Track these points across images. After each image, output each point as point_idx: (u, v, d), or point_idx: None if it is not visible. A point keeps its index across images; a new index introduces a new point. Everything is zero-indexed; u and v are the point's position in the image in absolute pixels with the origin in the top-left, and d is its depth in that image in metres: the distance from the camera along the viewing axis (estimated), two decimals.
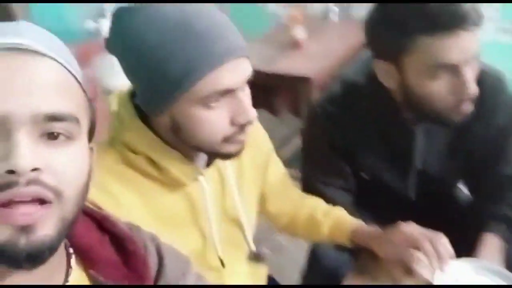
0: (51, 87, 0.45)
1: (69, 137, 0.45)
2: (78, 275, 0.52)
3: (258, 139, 0.96)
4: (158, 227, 0.69)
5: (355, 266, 1.00)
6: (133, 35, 0.70)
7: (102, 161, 0.70)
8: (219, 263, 0.88)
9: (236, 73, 0.71)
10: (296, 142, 2.23)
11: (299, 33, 2.31)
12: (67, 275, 0.51)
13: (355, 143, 1.08)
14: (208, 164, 0.83)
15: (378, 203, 0.86)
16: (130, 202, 0.74)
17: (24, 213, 0.42)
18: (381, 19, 0.93)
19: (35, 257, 0.43)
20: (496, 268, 0.92)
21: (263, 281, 1.05)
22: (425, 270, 0.84)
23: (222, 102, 0.71)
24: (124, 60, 0.74)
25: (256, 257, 0.95)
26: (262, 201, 1.02)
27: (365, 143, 1.08)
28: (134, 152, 0.75)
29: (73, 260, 0.53)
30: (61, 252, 0.50)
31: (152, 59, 0.69)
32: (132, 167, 0.75)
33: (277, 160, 1.04)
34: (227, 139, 0.74)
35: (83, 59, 1.93)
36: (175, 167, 0.77)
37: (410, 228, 0.89)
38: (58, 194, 0.44)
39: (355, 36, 2.05)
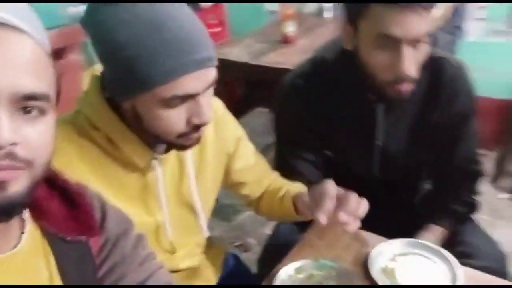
0: (29, 66, 0.47)
1: (42, 113, 0.49)
2: (32, 226, 0.57)
3: (225, 128, 0.99)
4: (108, 199, 0.70)
5: (301, 239, 1.06)
6: (103, 29, 0.71)
7: (64, 131, 0.75)
8: (170, 246, 0.92)
9: (200, 81, 0.73)
10: None
11: (290, 28, 2.34)
12: (22, 226, 0.56)
13: (320, 117, 1.11)
14: (167, 150, 0.86)
15: (342, 182, 0.90)
16: (83, 169, 0.77)
17: None
18: None
19: (8, 210, 0.48)
20: (435, 247, 0.98)
21: (219, 263, 1.11)
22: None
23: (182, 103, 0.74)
24: (95, 47, 0.76)
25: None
26: (233, 186, 1.06)
27: (330, 119, 1.11)
28: (95, 128, 0.78)
29: (25, 212, 0.57)
30: None
31: (119, 55, 0.71)
32: (92, 141, 0.79)
33: (247, 146, 1.06)
34: (181, 135, 0.78)
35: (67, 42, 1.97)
36: (131, 149, 0.80)
37: (330, 185, 0.88)
38: (29, 164, 0.48)
39: None
